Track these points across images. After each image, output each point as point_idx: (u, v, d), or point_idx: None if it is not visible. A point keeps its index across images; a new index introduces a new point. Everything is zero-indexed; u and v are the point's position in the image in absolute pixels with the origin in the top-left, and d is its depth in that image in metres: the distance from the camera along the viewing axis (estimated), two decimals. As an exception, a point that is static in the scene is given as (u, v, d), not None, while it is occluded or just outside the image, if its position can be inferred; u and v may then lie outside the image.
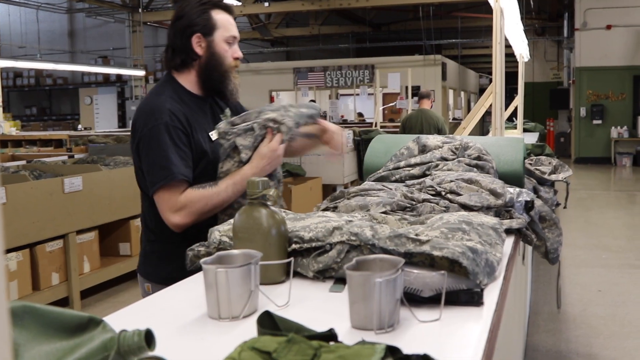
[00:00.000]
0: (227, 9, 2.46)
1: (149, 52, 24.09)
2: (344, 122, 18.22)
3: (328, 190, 8.92)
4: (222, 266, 1.31)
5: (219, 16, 2.40)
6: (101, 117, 23.75)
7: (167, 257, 2.30)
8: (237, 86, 2.46)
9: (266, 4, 19.83)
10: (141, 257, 2.49)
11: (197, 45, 2.37)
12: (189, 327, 1.31)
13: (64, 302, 5.64)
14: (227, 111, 2.48)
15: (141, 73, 20.25)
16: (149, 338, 0.94)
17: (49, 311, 0.98)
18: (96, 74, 24.18)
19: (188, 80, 2.43)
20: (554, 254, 2.53)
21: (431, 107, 9.50)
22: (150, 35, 25.11)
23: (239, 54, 2.46)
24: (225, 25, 2.40)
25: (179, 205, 2.21)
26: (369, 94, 19.41)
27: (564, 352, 4.54)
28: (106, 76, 24.23)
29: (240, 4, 19.61)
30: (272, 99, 22.46)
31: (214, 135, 2.38)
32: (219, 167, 2.28)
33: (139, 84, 21.93)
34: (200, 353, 1.19)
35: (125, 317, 1.38)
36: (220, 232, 1.70)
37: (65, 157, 8.42)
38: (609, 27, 17.43)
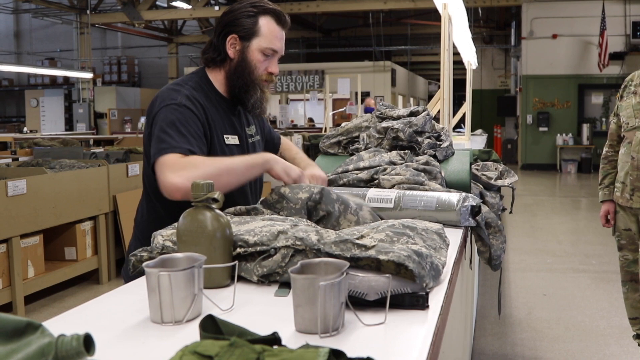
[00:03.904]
0: (280, 20, 2.33)
1: (97, 54, 23.81)
2: (294, 127, 18.22)
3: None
4: (165, 269, 1.29)
5: (266, 24, 2.28)
6: (47, 119, 23.33)
7: None
8: (263, 100, 2.34)
9: (216, 7, 19.77)
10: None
11: (231, 46, 2.28)
12: (130, 332, 1.28)
13: (7, 307, 5.51)
14: (252, 128, 2.42)
15: (89, 75, 20.01)
16: (87, 343, 0.92)
17: (-15, 316, 0.95)
18: (43, 75, 23.84)
19: (217, 80, 2.35)
20: (497, 260, 2.56)
21: None
22: (98, 38, 24.81)
23: (274, 69, 2.35)
24: (267, 35, 2.28)
25: (181, 165, 2.00)
26: (319, 99, 19.45)
27: (509, 356, 4.59)
28: (53, 78, 23.86)
29: (190, 7, 19.50)
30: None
31: (229, 140, 2.30)
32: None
33: (87, 86, 21.61)
34: (141, 358, 1.16)
35: (65, 322, 1.34)
36: (163, 236, 1.67)
37: (9, 160, 8.24)
38: (554, 36, 17.76)
